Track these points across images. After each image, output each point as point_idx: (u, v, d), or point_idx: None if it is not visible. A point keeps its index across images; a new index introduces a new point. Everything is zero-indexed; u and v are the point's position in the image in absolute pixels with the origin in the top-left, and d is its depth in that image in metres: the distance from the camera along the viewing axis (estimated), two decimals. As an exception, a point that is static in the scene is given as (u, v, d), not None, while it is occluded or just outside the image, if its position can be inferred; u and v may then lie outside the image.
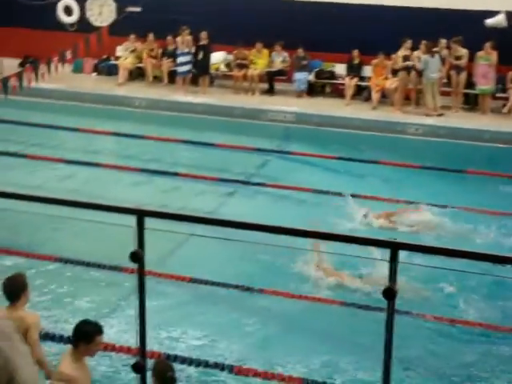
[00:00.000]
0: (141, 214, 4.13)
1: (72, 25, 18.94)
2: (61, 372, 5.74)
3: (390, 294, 3.67)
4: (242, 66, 17.63)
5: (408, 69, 16.43)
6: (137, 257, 4.06)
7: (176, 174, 13.06)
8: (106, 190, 11.83)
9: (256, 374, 7.68)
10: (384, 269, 3.77)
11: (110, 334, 7.65)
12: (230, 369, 7.76)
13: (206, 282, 9.46)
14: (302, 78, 17.38)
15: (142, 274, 4.16)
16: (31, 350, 5.90)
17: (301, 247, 8.68)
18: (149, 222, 4.05)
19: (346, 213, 11.10)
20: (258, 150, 14.44)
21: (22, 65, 18.59)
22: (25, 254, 9.81)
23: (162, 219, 4.44)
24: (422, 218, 11.08)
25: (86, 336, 5.77)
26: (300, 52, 17.36)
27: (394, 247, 3.70)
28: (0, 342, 1.55)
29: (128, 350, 7.69)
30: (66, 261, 9.69)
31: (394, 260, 3.67)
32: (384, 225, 10.89)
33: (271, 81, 17.72)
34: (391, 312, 3.71)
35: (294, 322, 8.82)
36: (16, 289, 6.09)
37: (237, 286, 9.42)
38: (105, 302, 8.87)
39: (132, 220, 4.20)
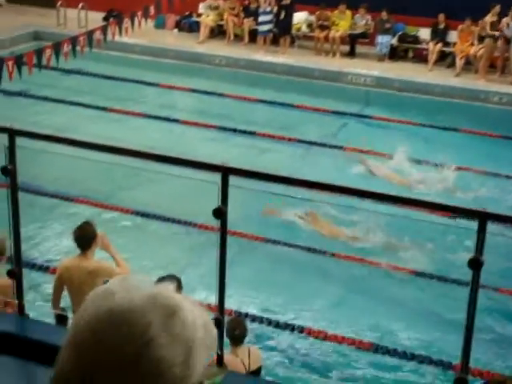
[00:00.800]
0: (226, 172, 4.16)
1: (156, -20, 18.97)
2: None
3: (475, 264, 3.63)
4: (323, 27, 17.41)
5: (495, 36, 15.94)
6: (220, 213, 4.11)
7: (253, 133, 13.08)
8: (184, 146, 11.93)
9: (326, 337, 7.73)
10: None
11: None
12: (301, 330, 7.82)
13: (279, 243, 9.53)
14: (385, 41, 17.06)
15: (224, 231, 4.21)
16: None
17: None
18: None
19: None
20: (337, 112, 14.31)
21: (106, 18, 18.79)
22: (103, 206, 10.05)
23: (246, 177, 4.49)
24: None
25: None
26: (384, 15, 17.02)
27: (483, 217, 3.65)
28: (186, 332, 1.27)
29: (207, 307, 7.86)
30: (143, 214, 9.89)
31: (482, 230, 3.62)
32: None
33: (353, 43, 17.46)
34: (476, 283, 3.67)
35: (364, 286, 8.81)
36: (87, 238, 6.21)
37: (310, 249, 9.46)
38: (179, 258, 9.03)
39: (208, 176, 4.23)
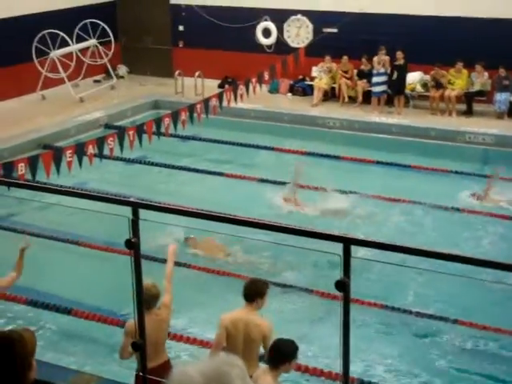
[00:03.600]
0: (347, 242, 4.07)
1: (269, 46, 19.38)
2: None
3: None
4: (439, 86, 17.17)
5: None
6: (343, 285, 4.00)
7: (369, 196, 12.90)
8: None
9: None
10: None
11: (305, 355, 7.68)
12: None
13: (398, 310, 9.27)
14: (503, 98, 16.62)
15: (347, 302, 4.09)
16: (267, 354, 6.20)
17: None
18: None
19: None
20: (456, 172, 13.96)
21: (221, 85, 19.28)
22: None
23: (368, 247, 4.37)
24: None
25: (288, 356, 5.80)
26: (501, 72, 16.62)
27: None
28: None
29: (329, 375, 7.73)
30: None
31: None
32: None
33: (470, 101, 17.11)
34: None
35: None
36: (253, 292, 6.36)
37: (431, 316, 9.15)
38: (298, 321, 8.92)
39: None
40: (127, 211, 4.38)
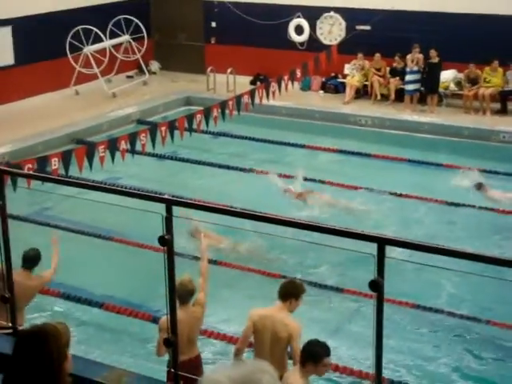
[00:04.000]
0: (382, 242, 4.04)
1: (302, 43, 19.32)
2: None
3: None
4: (473, 85, 17.00)
5: None
6: (376, 285, 3.97)
7: (400, 195, 12.82)
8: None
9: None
10: None
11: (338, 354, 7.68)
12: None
13: (431, 309, 9.21)
14: (539, 97, 16.43)
15: (381, 301, 4.06)
16: (294, 356, 6.21)
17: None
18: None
19: None
20: (489, 171, 13.80)
21: (253, 82, 19.28)
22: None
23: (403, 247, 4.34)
24: None
25: (314, 357, 5.79)
26: (537, 70, 16.43)
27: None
28: None
29: (359, 374, 7.72)
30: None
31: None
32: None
33: (504, 100, 16.91)
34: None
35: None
36: (288, 291, 6.39)
37: (462, 316, 9.08)
38: (330, 321, 8.90)
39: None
40: (158, 207, 4.39)
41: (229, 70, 18.38)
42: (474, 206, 12.23)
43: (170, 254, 4.28)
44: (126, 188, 10.29)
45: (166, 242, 4.22)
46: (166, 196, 4.35)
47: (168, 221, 4.27)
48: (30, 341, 3.00)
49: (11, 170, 5.50)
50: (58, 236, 7.66)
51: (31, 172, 9.85)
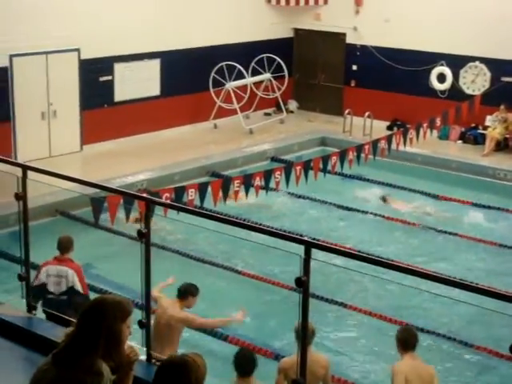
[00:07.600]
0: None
1: (443, 92, 19.04)
2: None
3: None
4: None
5: None
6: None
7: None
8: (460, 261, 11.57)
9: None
10: None
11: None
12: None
13: None
14: None
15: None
16: None
17: None
18: None
19: None
20: None
21: (390, 128, 19.14)
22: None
23: None
24: None
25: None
26: None
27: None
28: None
29: None
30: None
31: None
32: None
33: None
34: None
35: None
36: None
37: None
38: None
39: None
40: (295, 247, 4.42)
41: (366, 114, 18.33)
42: None
43: (306, 297, 4.29)
44: (266, 227, 10.42)
45: (303, 283, 4.23)
46: (305, 238, 4.36)
47: (306, 263, 4.28)
48: (171, 370, 3.07)
49: (154, 199, 5.65)
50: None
51: (171, 202, 10.05)
